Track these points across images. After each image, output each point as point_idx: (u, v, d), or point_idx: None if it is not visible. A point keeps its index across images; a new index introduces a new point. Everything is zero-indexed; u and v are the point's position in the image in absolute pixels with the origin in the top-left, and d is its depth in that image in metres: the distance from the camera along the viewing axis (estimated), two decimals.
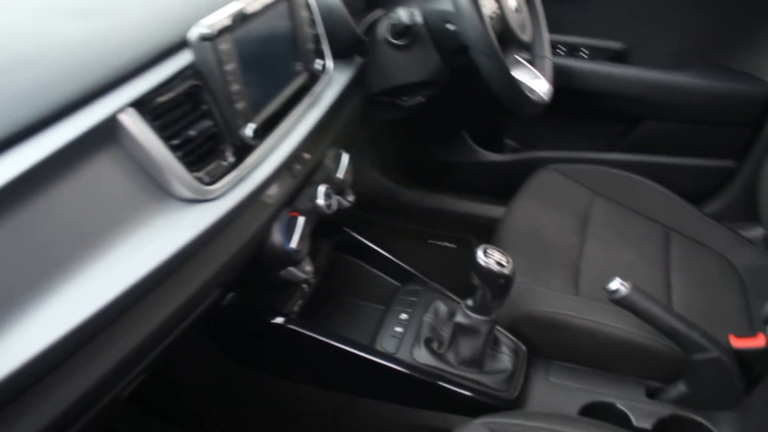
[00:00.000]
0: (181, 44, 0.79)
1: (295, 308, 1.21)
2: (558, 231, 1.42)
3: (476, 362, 1.13)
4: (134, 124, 0.69)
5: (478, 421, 0.97)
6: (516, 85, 1.21)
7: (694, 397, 1.14)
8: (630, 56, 1.70)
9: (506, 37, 1.24)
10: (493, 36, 1.14)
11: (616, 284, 1.11)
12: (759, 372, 1.14)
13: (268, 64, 0.92)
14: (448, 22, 1.19)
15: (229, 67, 0.81)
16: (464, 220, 1.82)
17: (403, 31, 1.20)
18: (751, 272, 1.44)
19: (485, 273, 1.03)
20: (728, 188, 1.68)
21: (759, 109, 1.60)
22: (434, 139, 1.81)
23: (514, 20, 1.25)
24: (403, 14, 1.17)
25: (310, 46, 1.04)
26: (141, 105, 0.70)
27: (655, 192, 1.58)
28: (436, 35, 1.23)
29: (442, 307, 1.22)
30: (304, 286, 1.23)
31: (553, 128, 1.72)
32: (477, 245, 1.79)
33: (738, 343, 1.16)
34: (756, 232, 1.62)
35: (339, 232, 1.34)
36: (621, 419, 1.15)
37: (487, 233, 1.67)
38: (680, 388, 1.15)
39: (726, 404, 1.14)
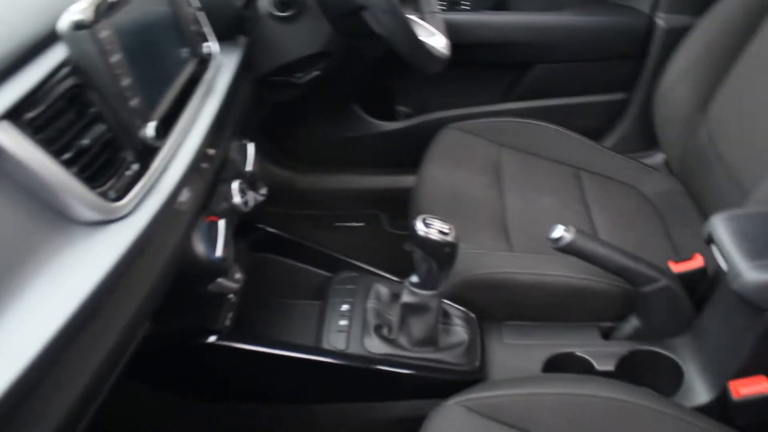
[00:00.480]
0: (50, 38, 0.65)
1: (227, 322, 1.09)
2: (475, 189, 1.37)
3: (431, 340, 1.07)
4: (13, 142, 0.55)
5: (452, 402, 0.90)
6: (420, 43, 1.13)
7: (648, 329, 1.13)
8: (510, 2, 1.67)
9: None
10: None
11: (559, 231, 1.07)
12: (702, 292, 1.14)
13: (154, 52, 0.80)
14: None
15: (115, 58, 0.68)
16: (370, 196, 1.74)
17: (288, 0, 1.09)
18: (661, 197, 1.47)
19: (430, 244, 0.96)
20: (623, 120, 1.69)
21: (640, 39, 1.61)
22: (324, 117, 1.71)
23: None
24: None
25: (194, 28, 0.91)
26: (16, 117, 0.56)
27: (557, 134, 1.57)
28: (325, 0, 1.13)
29: (383, 290, 1.14)
30: (231, 296, 1.11)
31: (445, 87, 1.67)
32: (387, 219, 1.76)
33: (678, 267, 1.16)
34: (656, 158, 1.65)
35: (254, 230, 1.23)
36: (583, 366, 1.12)
37: (397, 205, 1.61)
38: (633, 323, 1.14)
39: (679, 329, 1.14)
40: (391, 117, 1.73)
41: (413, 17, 1.23)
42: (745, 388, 0.98)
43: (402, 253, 1.68)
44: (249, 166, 1.04)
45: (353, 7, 1.09)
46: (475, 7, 1.67)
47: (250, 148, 1.06)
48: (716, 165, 1.31)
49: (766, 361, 0.98)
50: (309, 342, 1.08)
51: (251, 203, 0.99)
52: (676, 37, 1.50)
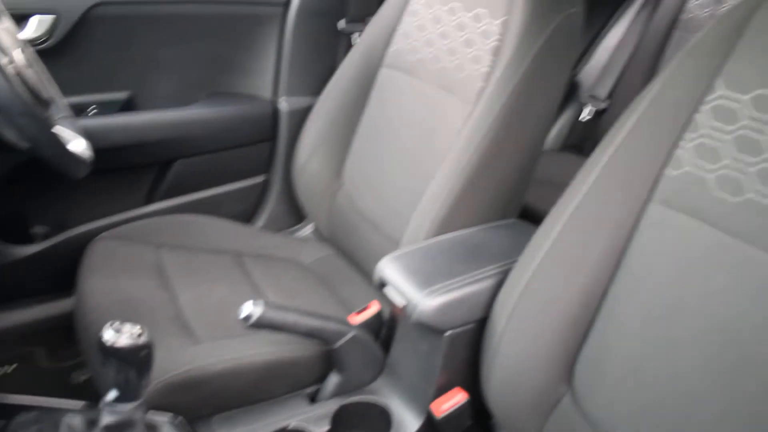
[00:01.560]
0: None
1: None
2: (143, 295, 1.31)
3: None
4: None
5: None
6: (62, 145, 1.06)
7: (349, 381, 1.19)
8: (138, 103, 1.65)
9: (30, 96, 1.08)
10: (25, 93, 0.97)
11: (248, 308, 1.08)
12: (385, 335, 1.25)
13: None
14: None
15: None
16: (19, 333, 1.54)
17: None
18: (319, 264, 1.58)
19: (126, 352, 0.89)
20: (270, 200, 1.78)
21: (268, 123, 1.73)
22: None
23: (31, 77, 1.09)
24: None
25: None
26: None
27: (212, 225, 1.60)
28: None
29: (75, 421, 1.01)
30: None
31: (86, 198, 1.57)
32: (45, 353, 1.56)
33: (358, 319, 1.25)
34: (308, 229, 1.77)
35: None
36: None
37: (54, 334, 1.47)
38: (334, 379, 1.19)
39: (376, 373, 1.22)
40: (28, 240, 1.57)
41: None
42: (444, 405, 1.09)
43: (71, 387, 1.52)
44: None
45: None
46: (103, 111, 1.61)
47: None
48: (361, 222, 1.46)
49: (456, 374, 1.10)
50: None
51: None
52: (300, 117, 1.65)
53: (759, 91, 0.80)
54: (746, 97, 0.81)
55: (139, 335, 0.91)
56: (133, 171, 1.61)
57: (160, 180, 1.64)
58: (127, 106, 1.65)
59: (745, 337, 0.77)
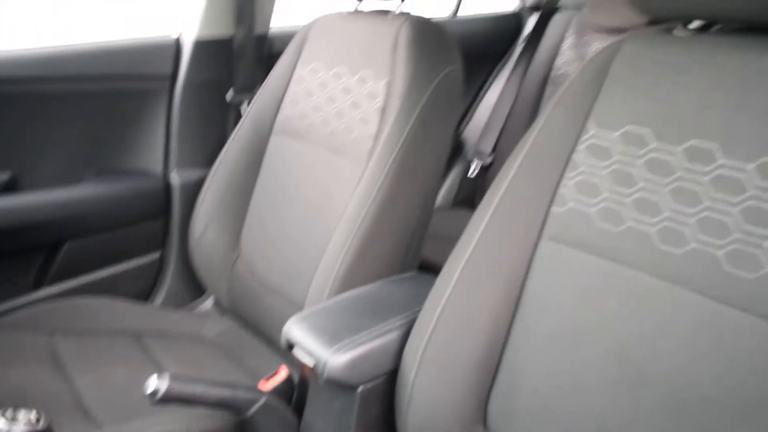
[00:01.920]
0: None
1: None
2: (35, 385, 1.25)
3: None
4: None
5: None
6: None
7: None
8: (22, 183, 1.58)
9: None
10: None
11: (152, 384, 1.03)
12: (296, 398, 1.23)
13: None
14: None
15: None
16: None
17: None
18: (222, 336, 1.55)
19: None
20: (167, 276, 1.74)
21: (161, 199, 1.70)
22: None
23: None
24: None
25: None
26: None
27: (108, 307, 1.55)
28: None
29: None
30: None
31: None
32: None
33: (268, 385, 1.22)
34: (208, 303, 1.73)
35: None
36: None
37: None
38: None
39: None
40: None
41: None
42: None
43: None
44: None
45: None
46: None
47: None
48: (261, 290, 1.46)
49: (371, 429, 1.09)
50: None
51: None
52: (193, 190, 1.64)
53: (626, 128, 0.88)
54: (616, 134, 0.88)
55: (37, 420, 0.87)
56: (19, 255, 1.53)
57: (50, 263, 1.57)
58: (10, 186, 1.57)
59: (639, 357, 0.81)
